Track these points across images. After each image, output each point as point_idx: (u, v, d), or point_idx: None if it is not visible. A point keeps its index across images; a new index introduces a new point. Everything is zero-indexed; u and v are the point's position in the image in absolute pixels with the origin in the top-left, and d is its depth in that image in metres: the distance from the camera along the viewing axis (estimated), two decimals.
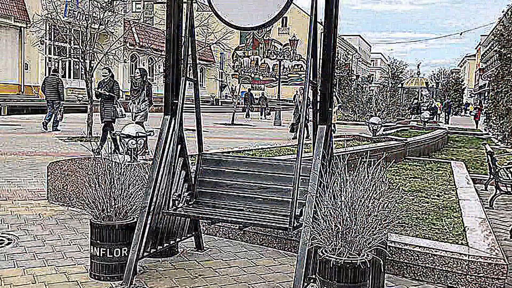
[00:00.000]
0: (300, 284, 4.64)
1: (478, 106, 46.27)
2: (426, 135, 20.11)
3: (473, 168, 14.45)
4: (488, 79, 57.01)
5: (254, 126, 30.98)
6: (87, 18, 18.28)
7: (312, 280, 4.80)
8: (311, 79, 5.21)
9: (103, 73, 14.36)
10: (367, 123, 19.20)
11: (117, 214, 5.51)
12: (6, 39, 39.00)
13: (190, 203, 5.94)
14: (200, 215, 5.58)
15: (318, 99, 5.41)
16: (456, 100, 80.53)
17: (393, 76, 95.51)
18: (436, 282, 5.57)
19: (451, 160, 15.45)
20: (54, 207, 8.33)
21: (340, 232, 4.39)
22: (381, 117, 28.37)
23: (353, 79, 75.71)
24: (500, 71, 21.04)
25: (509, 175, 9.78)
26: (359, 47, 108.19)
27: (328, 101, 5.33)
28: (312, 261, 4.77)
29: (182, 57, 5.77)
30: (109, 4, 20.17)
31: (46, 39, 33.83)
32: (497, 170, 9.80)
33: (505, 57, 20.68)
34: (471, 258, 5.42)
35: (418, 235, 6.33)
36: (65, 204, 8.40)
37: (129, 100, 14.08)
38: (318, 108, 5.41)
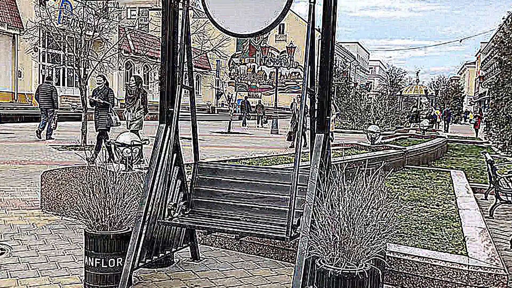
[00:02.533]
0: None
1: (478, 114, 46.27)
2: (425, 144, 20.00)
3: (473, 177, 14.36)
4: (488, 86, 57.01)
5: (250, 134, 30.96)
6: (81, 25, 18.21)
7: None
8: (308, 86, 5.18)
9: (97, 80, 14.30)
10: (366, 132, 19.12)
11: (112, 223, 5.47)
12: None
13: (185, 212, 5.92)
14: (196, 225, 5.54)
15: (316, 107, 5.39)
16: (456, 108, 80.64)
17: (392, 83, 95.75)
18: None
19: (450, 169, 15.35)
20: (48, 217, 8.26)
21: (338, 242, 4.37)
22: (379, 125, 28.43)
23: (351, 87, 75.81)
24: (501, 78, 20.98)
25: (510, 184, 9.70)
26: (357, 54, 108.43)
27: (326, 109, 5.29)
28: (310, 272, 4.72)
29: (178, 65, 5.74)
30: (103, 11, 20.12)
31: (39, 46, 33.74)
32: (497, 179, 9.72)
33: (505, 64, 20.63)
34: (471, 268, 5.35)
35: (417, 245, 6.27)
36: (59, 214, 8.34)
37: (124, 108, 14.05)
38: (315, 116, 5.39)
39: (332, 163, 5.46)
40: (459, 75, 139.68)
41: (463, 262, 5.47)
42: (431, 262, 5.54)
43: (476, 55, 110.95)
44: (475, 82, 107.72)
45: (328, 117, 5.33)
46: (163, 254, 5.83)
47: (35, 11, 30.60)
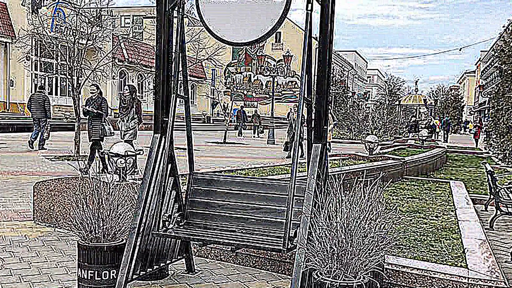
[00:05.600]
0: None
1: (478, 124, 46.25)
2: (424, 154, 19.98)
3: (472, 188, 14.30)
4: (488, 96, 56.99)
5: (246, 144, 30.91)
6: (74, 33, 18.13)
7: None
8: (305, 96, 5.13)
9: (91, 90, 14.19)
10: (364, 142, 19.08)
11: (106, 235, 5.46)
12: None
13: (180, 224, 5.88)
14: (191, 237, 5.49)
15: (313, 117, 5.33)
16: (455, 117, 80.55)
17: (390, 93, 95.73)
18: None
19: (450, 180, 15.32)
20: (40, 228, 8.18)
21: (336, 254, 4.38)
22: (377, 135, 28.39)
23: (349, 96, 75.76)
24: (501, 87, 20.92)
25: (510, 195, 9.64)
26: (355, 63, 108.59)
27: (323, 118, 5.27)
28: (307, 284, 4.68)
29: (173, 74, 5.70)
30: (97, 19, 20.07)
31: (32, 55, 33.69)
32: (497, 190, 9.66)
33: (505, 73, 20.59)
34: (471, 280, 5.30)
35: (416, 257, 6.22)
36: (52, 225, 8.27)
37: (117, 118, 13.94)
38: (313, 126, 5.34)
39: (329, 173, 5.43)
40: (458, 84, 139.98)
41: (463, 274, 5.42)
42: (430, 274, 5.48)
43: (476, 64, 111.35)
44: (475, 91, 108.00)
45: (325, 127, 5.30)
46: (157, 266, 5.76)
47: (28, 19, 30.60)
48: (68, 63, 17.86)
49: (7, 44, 39.30)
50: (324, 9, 5.13)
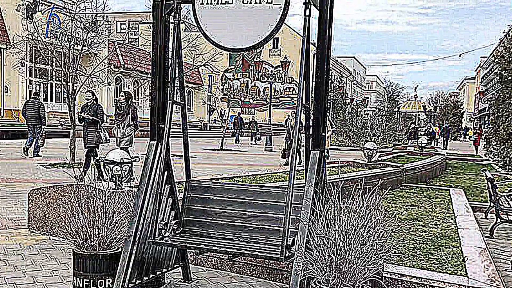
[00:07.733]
0: None
1: (478, 131, 46.10)
2: (424, 161, 19.92)
3: (472, 195, 14.23)
4: (488, 102, 56.88)
5: (244, 151, 30.88)
6: (69, 39, 18.08)
7: None
8: (303, 102, 5.09)
9: (86, 96, 14.13)
10: (362, 149, 19.04)
11: (101, 243, 5.42)
12: None
13: (177, 232, 5.84)
14: (188, 245, 5.47)
15: (311, 124, 5.31)
16: (455, 124, 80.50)
17: (389, 99, 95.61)
18: None
19: (449, 187, 15.25)
20: (35, 236, 8.14)
21: (334, 263, 4.35)
22: (376, 142, 28.30)
23: (347, 103, 75.69)
24: (501, 94, 20.87)
25: (510, 202, 9.60)
26: (354, 69, 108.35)
27: (321, 125, 5.24)
28: None
29: (169, 80, 5.67)
30: (92, 25, 20.01)
31: (26, 61, 33.59)
32: (497, 197, 9.63)
33: (506, 79, 20.54)
34: None
35: (415, 265, 6.19)
36: (47, 233, 8.22)
37: (113, 125, 13.89)
38: (310, 133, 5.32)
39: (327, 181, 5.39)
40: (458, 91, 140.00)
41: (463, 283, 5.38)
42: (430, 283, 5.45)
43: (476, 70, 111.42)
44: (475, 97, 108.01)
45: (323, 134, 5.28)
46: (153, 275, 5.72)
47: (22, 25, 30.60)
48: (63, 69, 17.80)
49: (2, 50, 38.99)
50: (322, 15, 5.10)
